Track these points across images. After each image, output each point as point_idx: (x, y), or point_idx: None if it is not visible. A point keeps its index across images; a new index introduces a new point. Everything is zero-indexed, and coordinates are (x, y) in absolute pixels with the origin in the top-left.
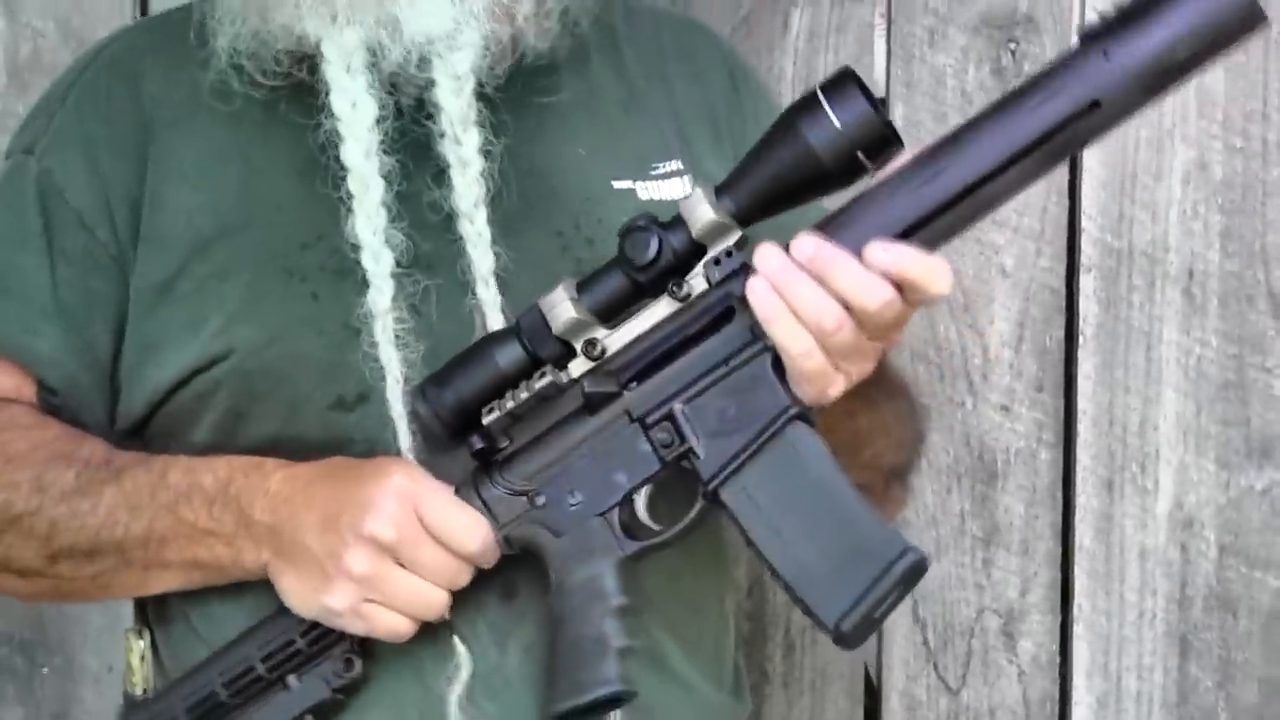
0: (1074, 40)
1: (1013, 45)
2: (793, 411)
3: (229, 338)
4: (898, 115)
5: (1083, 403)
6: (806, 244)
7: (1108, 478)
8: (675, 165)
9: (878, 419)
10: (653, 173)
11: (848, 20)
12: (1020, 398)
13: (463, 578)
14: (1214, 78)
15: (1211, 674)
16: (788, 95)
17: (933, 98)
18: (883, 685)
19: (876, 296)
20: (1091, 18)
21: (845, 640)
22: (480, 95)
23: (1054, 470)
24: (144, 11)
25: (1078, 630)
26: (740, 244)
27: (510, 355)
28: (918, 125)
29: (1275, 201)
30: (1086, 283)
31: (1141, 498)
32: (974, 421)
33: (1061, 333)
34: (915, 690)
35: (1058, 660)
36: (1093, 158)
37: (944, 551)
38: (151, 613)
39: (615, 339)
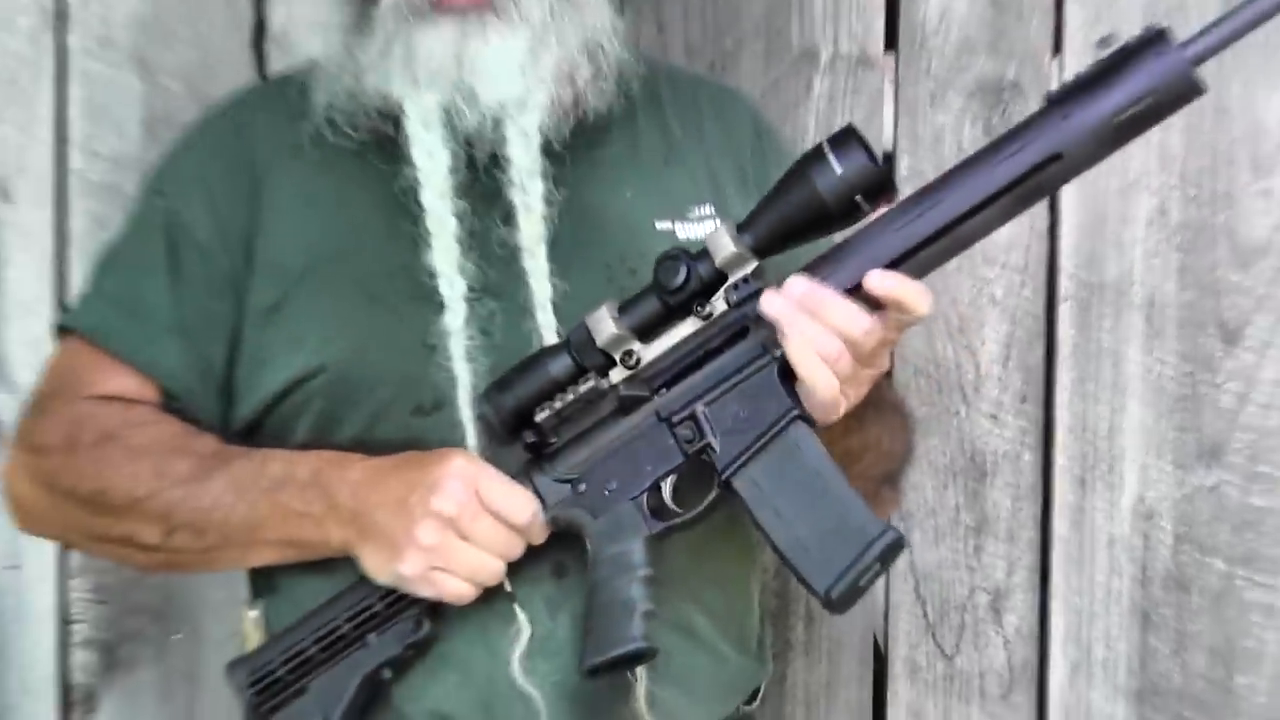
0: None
1: (1002, 107)
2: (795, 413)
3: (323, 355)
4: (903, 166)
5: (1060, 412)
6: (795, 282)
7: (1081, 476)
8: (708, 210)
9: (870, 436)
10: (689, 216)
11: (862, 85)
12: (1007, 408)
13: (516, 549)
14: (1173, 138)
15: (1168, 643)
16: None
17: (934, 151)
18: (889, 652)
19: (859, 326)
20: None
21: (833, 605)
22: (545, 149)
23: (1035, 470)
24: (261, 74)
25: (1054, 606)
26: (757, 273)
27: (561, 364)
28: (920, 175)
29: (1224, 242)
30: (1064, 310)
31: (1109, 493)
32: (967, 428)
33: (1042, 352)
34: (916, 656)
35: (1037, 632)
36: (1069, 205)
37: (941, 539)
38: (262, 586)
39: (649, 351)
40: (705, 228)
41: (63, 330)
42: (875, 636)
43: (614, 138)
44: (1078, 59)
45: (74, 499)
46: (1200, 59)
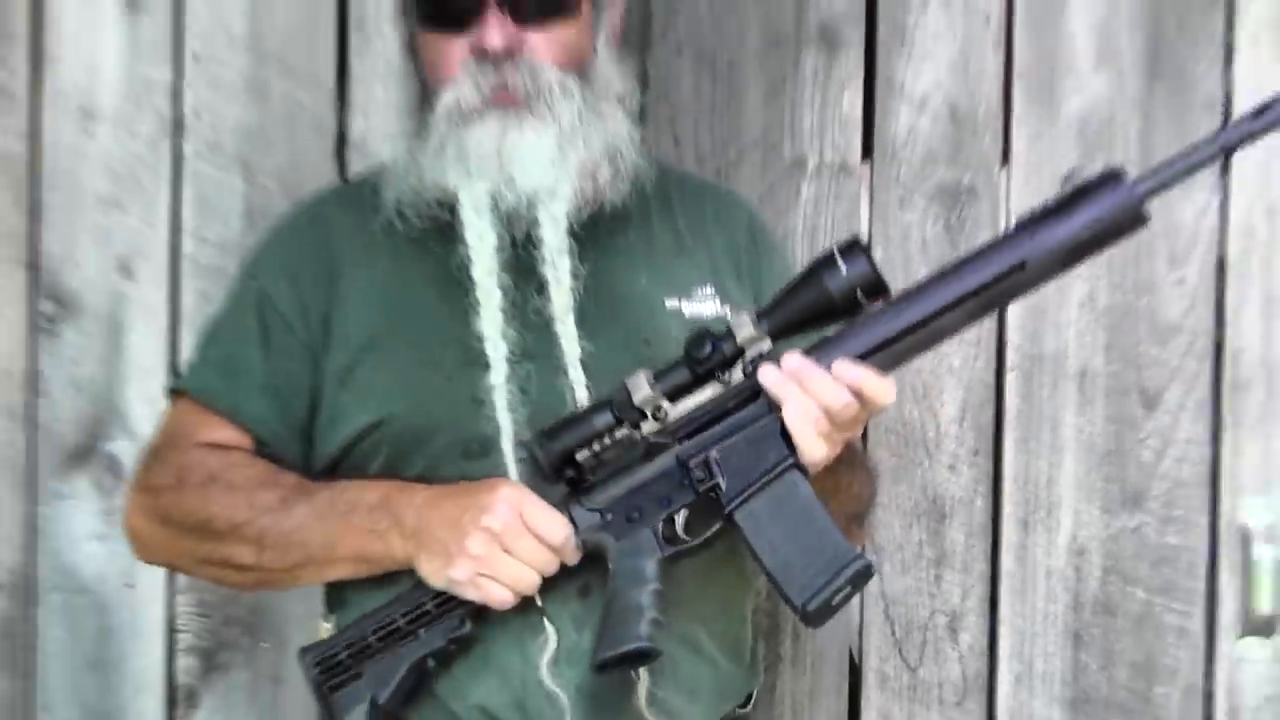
0: (1011, 219)
1: (959, 208)
2: (790, 461)
3: (388, 409)
4: (877, 255)
5: (1007, 465)
6: (791, 358)
7: (1024, 519)
8: (710, 291)
9: (843, 482)
10: (694, 296)
11: (843, 189)
12: (962, 460)
13: (551, 566)
14: None
15: (1096, 659)
16: (799, 243)
17: (901, 245)
18: (863, 665)
19: (839, 400)
20: (1015, 195)
21: (809, 618)
22: (571, 232)
23: (986, 513)
24: (342, 176)
25: (1002, 628)
26: (770, 352)
27: (603, 419)
28: (891, 263)
29: (1144, 323)
30: (1010, 379)
31: (1048, 533)
32: (929, 477)
33: (992, 414)
34: (886, 669)
35: (987, 649)
36: None
37: (907, 569)
38: (335, 601)
39: (675, 409)
40: (707, 306)
41: (174, 392)
42: (851, 651)
43: (631, 228)
44: (1022, 169)
45: (183, 529)
46: (1149, 195)
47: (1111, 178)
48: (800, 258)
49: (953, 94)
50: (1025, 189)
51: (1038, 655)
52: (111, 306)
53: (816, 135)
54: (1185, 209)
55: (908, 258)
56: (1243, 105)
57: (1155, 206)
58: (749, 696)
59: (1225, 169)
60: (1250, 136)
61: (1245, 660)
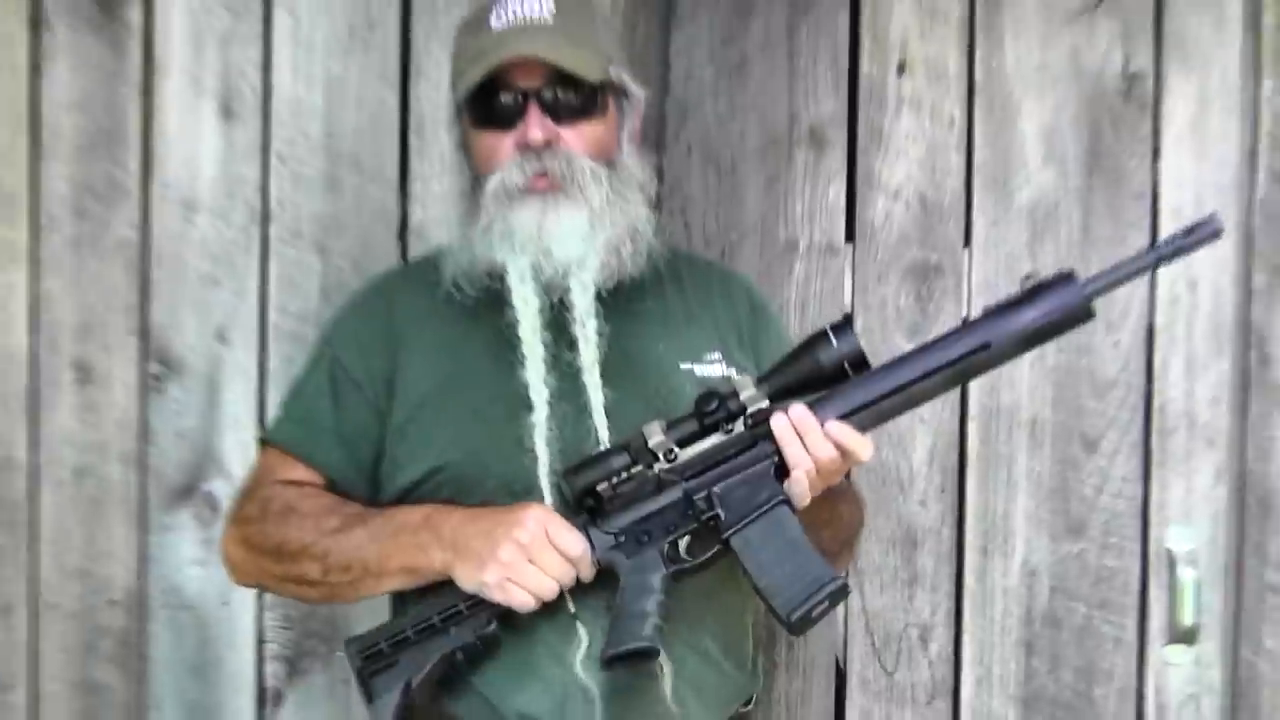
0: (973, 293)
1: (928, 283)
2: (780, 498)
3: (445, 457)
4: (859, 322)
5: (969, 500)
6: (797, 410)
7: (984, 546)
8: (717, 356)
9: (836, 512)
10: (703, 359)
11: (829, 267)
12: (932, 496)
13: (569, 577)
14: None
15: (1045, 664)
16: (792, 312)
17: (879, 313)
18: (847, 670)
19: (826, 453)
20: (975, 272)
21: (792, 628)
22: (598, 297)
23: (951, 541)
24: (403, 256)
25: (965, 639)
26: (768, 409)
27: (620, 459)
28: (870, 329)
29: (1085, 379)
30: (972, 427)
31: (1004, 559)
32: (904, 510)
33: (956, 457)
34: (866, 673)
35: (953, 656)
36: None
37: (885, 589)
38: (399, 612)
39: (684, 453)
40: (715, 368)
41: (262, 441)
42: (837, 659)
43: (648, 297)
44: (981, 250)
45: (264, 552)
46: (1095, 295)
47: (1064, 278)
48: (793, 325)
49: (922, 186)
50: (984, 266)
51: (996, 661)
52: (210, 368)
53: (806, 221)
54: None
55: (884, 324)
56: (1169, 195)
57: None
58: (750, 698)
59: (1154, 248)
60: (1181, 251)
61: (1171, 664)
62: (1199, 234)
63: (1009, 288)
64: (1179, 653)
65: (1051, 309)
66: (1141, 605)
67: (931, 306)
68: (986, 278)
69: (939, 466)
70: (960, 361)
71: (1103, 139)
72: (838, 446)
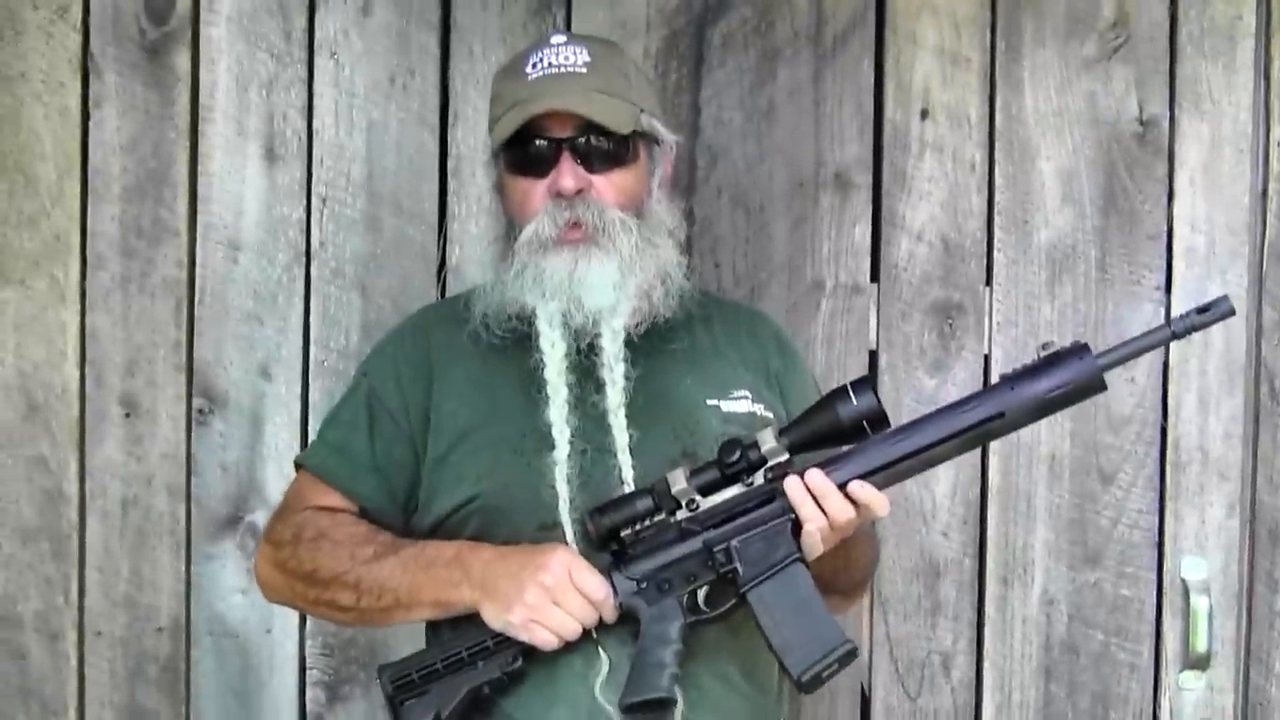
0: (994, 329)
1: (950, 321)
2: (796, 556)
3: (476, 490)
4: (883, 360)
5: (991, 531)
6: (813, 476)
7: (1004, 576)
8: (745, 393)
9: (853, 555)
10: (730, 395)
11: (854, 306)
12: (954, 528)
13: (591, 619)
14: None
15: (1064, 689)
16: (818, 349)
17: (903, 350)
18: (872, 695)
19: (843, 514)
20: (996, 310)
21: (804, 688)
22: (627, 342)
23: (973, 571)
24: (441, 294)
25: (986, 665)
26: (788, 462)
27: (644, 503)
28: (894, 368)
29: (1102, 415)
30: (993, 462)
31: (1024, 588)
32: (927, 542)
33: (978, 491)
34: (890, 699)
35: (974, 682)
36: None
37: (909, 617)
38: (432, 637)
39: (706, 502)
40: (742, 404)
41: (298, 465)
42: (862, 685)
43: (677, 339)
44: (1002, 288)
45: (297, 576)
46: (1108, 367)
47: (1078, 350)
48: (819, 362)
49: (945, 227)
50: (1005, 304)
51: (1015, 687)
52: (253, 403)
53: (833, 261)
54: (1135, 321)
55: (908, 361)
56: (1182, 236)
57: (1109, 316)
58: None
59: (1169, 288)
60: (1193, 329)
61: (1185, 690)
62: (1212, 313)
63: (1029, 326)
64: (1193, 679)
65: (1065, 380)
66: (1156, 633)
67: (954, 344)
68: (1007, 316)
69: (961, 499)
70: (976, 428)
71: (1118, 181)
72: (855, 503)
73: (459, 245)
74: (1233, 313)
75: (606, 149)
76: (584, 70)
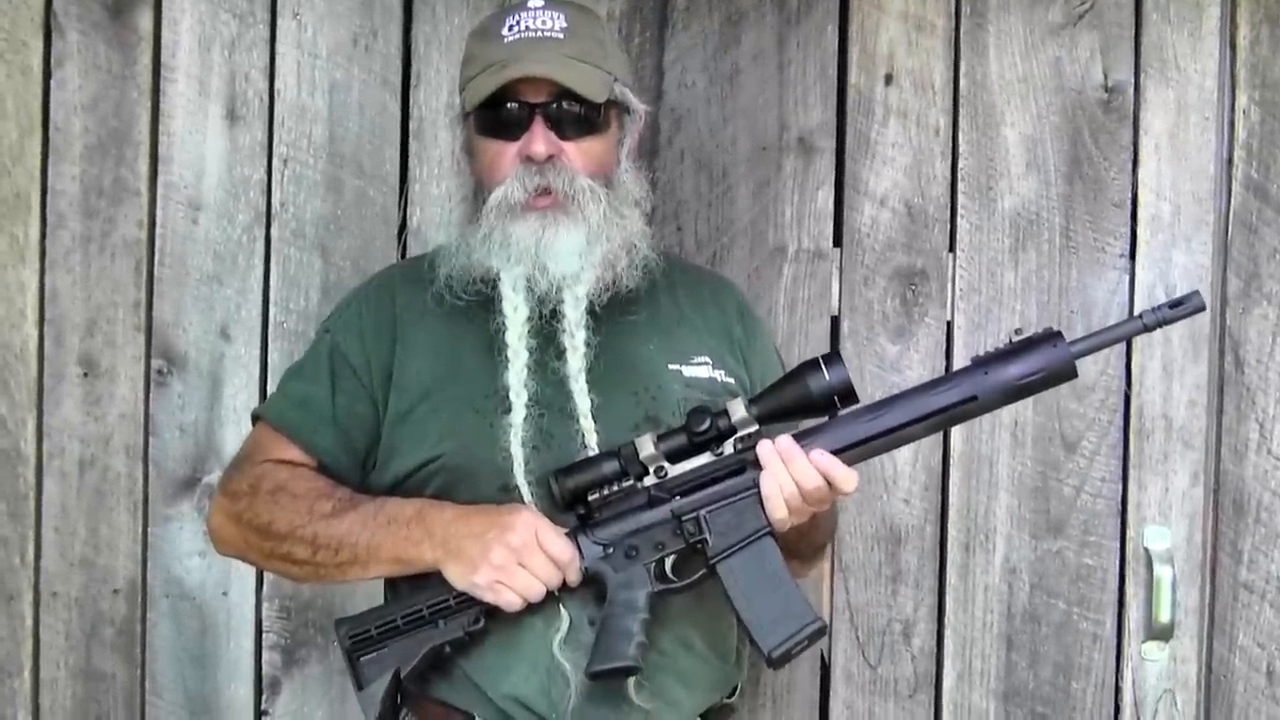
0: (957, 296)
1: (913, 287)
2: (766, 530)
3: (438, 450)
4: (845, 326)
5: (953, 498)
6: (783, 440)
7: (966, 543)
8: (705, 359)
9: (806, 528)
10: (691, 361)
11: (817, 271)
12: (916, 495)
13: (556, 581)
14: (1032, 312)
15: (1025, 659)
16: (781, 314)
17: (866, 316)
18: (832, 663)
19: (812, 482)
20: (959, 277)
21: (773, 663)
22: (589, 310)
23: (935, 538)
24: (402, 255)
25: (947, 633)
26: (756, 433)
27: (610, 466)
28: (856, 334)
29: (1065, 387)
30: (956, 428)
31: (986, 555)
32: (888, 508)
33: (940, 457)
34: (851, 667)
35: (935, 650)
36: (962, 358)
37: (869, 584)
38: (391, 596)
39: (674, 469)
40: (703, 370)
41: (256, 417)
42: (822, 652)
43: (641, 307)
44: (965, 255)
45: (252, 529)
46: (1080, 355)
47: (1051, 337)
48: (781, 327)
49: (908, 193)
50: (968, 271)
51: (976, 656)
52: (212, 364)
53: (795, 226)
54: (1099, 288)
55: (871, 327)
56: (1147, 203)
57: (1073, 283)
58: (734, 689)
59: (1133, 255)
60: (1164, 322)
61: (1147, 660)
62: (1184, 308)
63: (992, 293)
64: (1155, 649)
65: (1037, 367)
66: (1119, 602)
67: (916, 310)
68: (970, 282)
69: (923, 465)
70: (948, 410)
71: (1083, 148)
72: (824, 476)
73: (420, 207)
74: (1203, 308)
75: (579, 116)
76: (561, 36)
